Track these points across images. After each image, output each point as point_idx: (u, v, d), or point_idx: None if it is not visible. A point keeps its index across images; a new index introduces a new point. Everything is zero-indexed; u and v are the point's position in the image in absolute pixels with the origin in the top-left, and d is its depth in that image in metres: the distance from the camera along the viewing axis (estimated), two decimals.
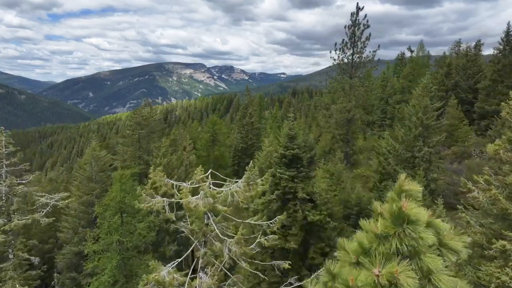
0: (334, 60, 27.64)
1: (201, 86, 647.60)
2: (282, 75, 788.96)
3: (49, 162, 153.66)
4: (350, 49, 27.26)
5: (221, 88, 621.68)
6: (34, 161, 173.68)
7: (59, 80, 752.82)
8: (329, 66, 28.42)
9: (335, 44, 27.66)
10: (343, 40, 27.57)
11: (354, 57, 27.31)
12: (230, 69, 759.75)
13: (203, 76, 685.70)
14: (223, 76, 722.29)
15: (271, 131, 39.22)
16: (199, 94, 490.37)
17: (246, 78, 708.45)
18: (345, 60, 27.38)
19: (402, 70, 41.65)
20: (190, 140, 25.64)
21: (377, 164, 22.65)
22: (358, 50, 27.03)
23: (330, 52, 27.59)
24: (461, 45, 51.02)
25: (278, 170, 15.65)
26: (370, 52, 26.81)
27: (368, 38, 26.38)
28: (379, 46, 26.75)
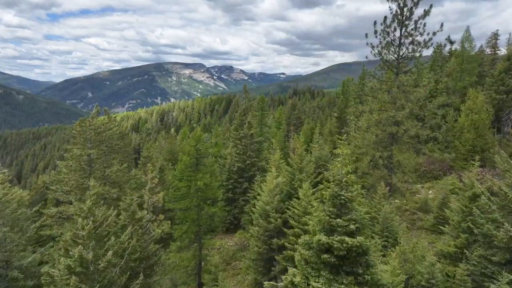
0: (373, 47, 18.68)
1: (200, 86, 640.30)
2: (281, 75, 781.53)
3: (40, 165, 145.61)
4: (396, 30, 18.36)
5: (221, 88, 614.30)
6: (26, 164, 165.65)
7: (58, 80, 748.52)
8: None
9: (374, 23, 18.69)
10: (385, 18, 18.62)
11: (402, 42, 18.40)
12: (229, 69, 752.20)
13: (203, 76, 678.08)
14: (222, 76, 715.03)
15: (276, 145, 30.19)
16: (198, 94, 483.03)
17: (246, 78, 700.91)
18: (391, 49, 18.44)
19: (441, 66, 32.80)
20: (154, 172, 16.65)
21: (460, 216, 13.59)
22: (409, 32, 18.13)
23: (366, 36, 18.64)
24: (498, 37, 42.16)
25: (314, 280, 6.67)
26: (428, 35, 17.91)
27: (427, 13, 17.46)
28: (442, 25, 17.81)
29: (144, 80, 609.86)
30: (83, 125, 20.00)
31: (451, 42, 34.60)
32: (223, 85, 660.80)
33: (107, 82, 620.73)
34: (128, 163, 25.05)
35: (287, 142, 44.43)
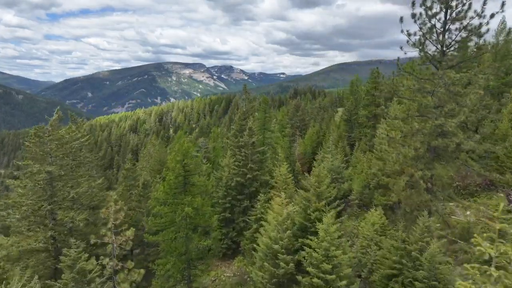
0: (409, 35, 14.49)
1: (200, 86, 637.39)
2: (281, 75, 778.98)
3: None
4: (441, 11, 14.19)
5: (221, 88, 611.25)
6: (22, 166, 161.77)
7: (58, 80, 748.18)
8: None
9: (413, 3, 14.48)
10: None
11: (447, 28, 14.25)
12: (229, 69, 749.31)
13: (203, 76, 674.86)
14: (222, 76, 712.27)
15: (282, 153, 25.97)
16: (198, 94, 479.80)
17: (246, 78, 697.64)
18: (433, 37, 14.24)
19: (471, 63, 28.43)
20: (119, 202, 12.40)
21: None
22: (457, 14, 13.98)
23: (401, 20, 14.46)
24: None
25: None
26: (483, 17, 13.76)
27: None
28: (503, 4, 13.66)
29: (144, 80, 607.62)
30: (41, 135, 15.81)
31: (480, 36, 30.18)
32: (223, 85, 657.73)
33: (107, 82, 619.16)
34: (105, 177, 20.79)
35: (292, 148, 40.19)
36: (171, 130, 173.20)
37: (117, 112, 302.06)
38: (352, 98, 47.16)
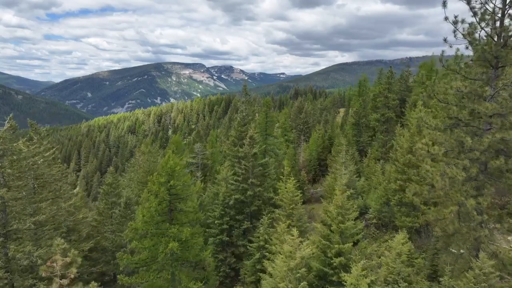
0: (455, 24, 11.29)
1: (200, 86, 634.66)
2: (281, 75, 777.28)
3: None
4: None
5: (221, 88, 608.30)
6: None
7: (58, 80, 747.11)
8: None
9: None
10: None
11: (506, 12, 11.06)
12: (229, 69, 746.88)
13: (203, 76, 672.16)
14: (222, 76, 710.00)
15: (288, 166, 22.68)
16: (198, 95, 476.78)
17: (246, 78, 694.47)
18: (487, 28, 11.05)
19: None
20: (71, 252, 9.13)
21: None
22: None
23: (444, 5, 11.24)
24: None
25: None
26: None
27: None
28: None
29: (143, 80, 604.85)
30: None
31: None
32: (223, 85, 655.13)
33: (107, 82, 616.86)
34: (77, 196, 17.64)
35: (296, 154, 36.96)
36: (170, 131, 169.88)
37: (117, 113, 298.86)
38: (361, 99, 43.92)
